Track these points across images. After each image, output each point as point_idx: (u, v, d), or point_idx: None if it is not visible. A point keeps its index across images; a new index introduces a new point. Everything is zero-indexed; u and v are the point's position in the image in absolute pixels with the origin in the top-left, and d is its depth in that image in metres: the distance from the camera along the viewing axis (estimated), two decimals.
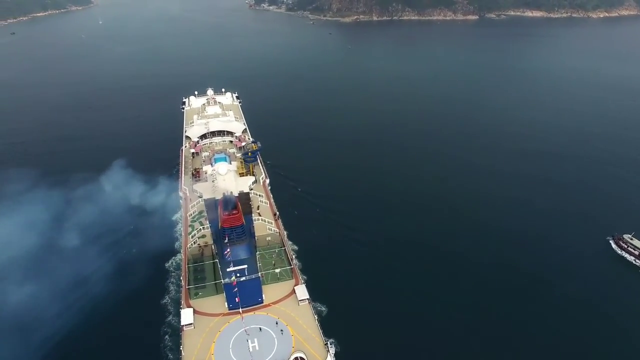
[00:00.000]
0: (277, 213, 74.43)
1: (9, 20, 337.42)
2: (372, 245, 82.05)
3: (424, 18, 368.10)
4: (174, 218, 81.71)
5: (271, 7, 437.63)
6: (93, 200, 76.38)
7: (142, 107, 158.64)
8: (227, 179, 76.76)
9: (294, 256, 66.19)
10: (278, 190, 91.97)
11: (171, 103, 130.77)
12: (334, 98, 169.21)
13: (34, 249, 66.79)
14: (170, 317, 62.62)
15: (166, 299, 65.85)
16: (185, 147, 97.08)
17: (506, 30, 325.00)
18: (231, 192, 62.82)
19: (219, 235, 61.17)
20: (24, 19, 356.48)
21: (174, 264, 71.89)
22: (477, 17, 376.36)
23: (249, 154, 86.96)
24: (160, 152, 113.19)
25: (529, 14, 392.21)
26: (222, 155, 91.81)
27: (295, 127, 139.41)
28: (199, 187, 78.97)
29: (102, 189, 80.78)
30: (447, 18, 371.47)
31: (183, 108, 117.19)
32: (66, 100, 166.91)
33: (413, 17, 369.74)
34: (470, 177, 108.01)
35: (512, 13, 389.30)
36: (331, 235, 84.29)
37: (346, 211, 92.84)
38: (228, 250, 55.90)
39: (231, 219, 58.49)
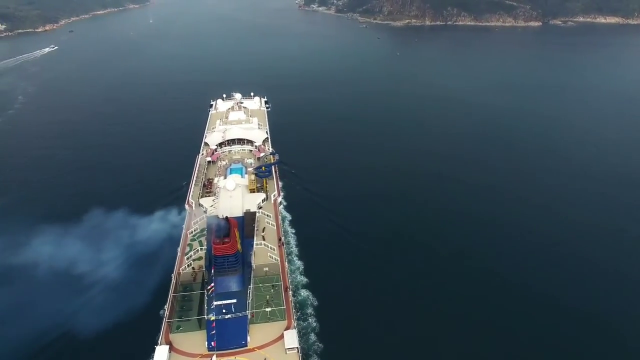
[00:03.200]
0: (283, 238, 67.31)
1: (72, 19, 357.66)
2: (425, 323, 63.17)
3: (480, 24, 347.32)
4: (179, 249, 67.58)
5: (320, 8, 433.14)
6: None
7: (173, 108, 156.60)
8: (234, 195, 70.77)
9: (291, 294, 58.12)
10: (304, 218, 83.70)
11: (203, 103, 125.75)
12: (374, 109, 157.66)
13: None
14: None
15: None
16: (202, 154, 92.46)
17: (577, 39, 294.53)
18: (225, 217, 56.19)
19: (211, 262, 55.08)
20: (86, 16, 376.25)
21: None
22: (540, 23, 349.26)
23: (263, 168, 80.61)
24: (185, 158, 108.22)
25: (601, 20, 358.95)
26: (239, 165, 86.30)
27: (329, 140, 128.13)
28: (206, 201, 73.58)
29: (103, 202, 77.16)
30: (507, 24, 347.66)
31: (210, 111, 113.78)
32: (91, 97, 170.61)
33: (469, 23, 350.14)
34: (546, 202, 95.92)
35: (581, 19, 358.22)
36: (362, 287, 69.31)
37: (388, 249, 77.99)
38: (212, 285, 49.42)
39: (223, 248, 52.18)
